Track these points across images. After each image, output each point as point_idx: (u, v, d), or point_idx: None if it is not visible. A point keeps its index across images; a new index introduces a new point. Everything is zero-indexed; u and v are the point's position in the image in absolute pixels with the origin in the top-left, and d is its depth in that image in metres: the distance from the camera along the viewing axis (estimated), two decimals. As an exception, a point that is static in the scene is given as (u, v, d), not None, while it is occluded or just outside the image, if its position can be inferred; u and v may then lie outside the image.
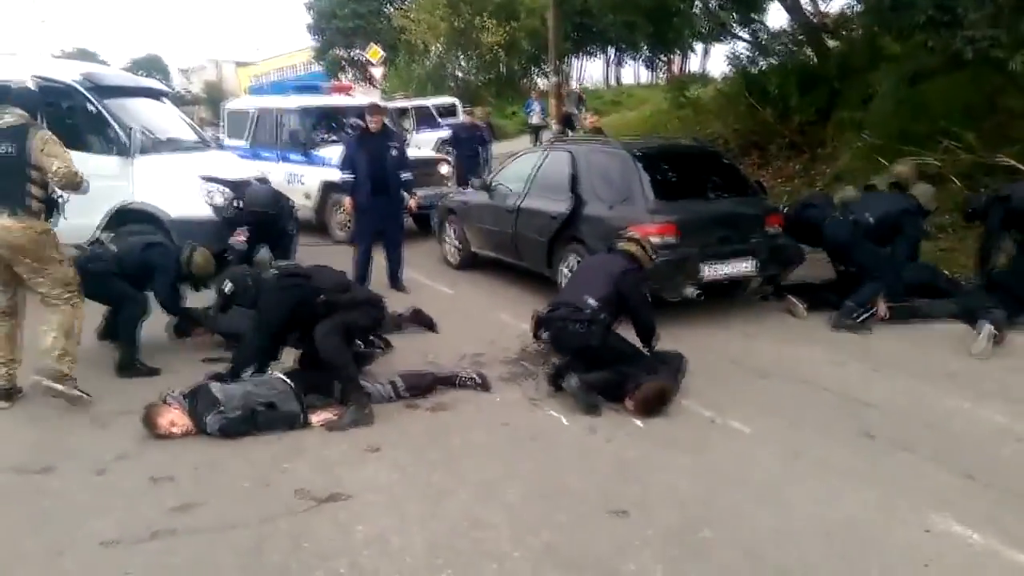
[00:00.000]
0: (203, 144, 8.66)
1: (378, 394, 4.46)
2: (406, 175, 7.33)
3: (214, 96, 55.74)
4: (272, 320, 4.45)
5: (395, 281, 7.36)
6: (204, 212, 7.58)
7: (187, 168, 7.80)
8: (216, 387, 4.14)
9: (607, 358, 4.52)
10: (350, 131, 9.14)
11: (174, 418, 4.01)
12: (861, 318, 5.77)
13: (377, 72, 28.25)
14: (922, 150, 8.62)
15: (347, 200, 7.47)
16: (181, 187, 7.61)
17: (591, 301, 4.52)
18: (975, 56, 8.29)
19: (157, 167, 7.61)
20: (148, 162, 7.56)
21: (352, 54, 41.48)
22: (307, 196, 10.66)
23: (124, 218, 7.60)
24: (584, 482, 3.52)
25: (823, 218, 6.27)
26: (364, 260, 7.19)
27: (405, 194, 7.41)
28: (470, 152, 11.42)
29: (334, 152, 10.47)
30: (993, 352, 5.04)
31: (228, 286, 4.57)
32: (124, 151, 7.49)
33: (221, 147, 9.64)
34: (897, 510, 3.20)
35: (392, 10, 35.52)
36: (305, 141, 10.73)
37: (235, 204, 7.10)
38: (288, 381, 4.27)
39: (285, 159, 11.04)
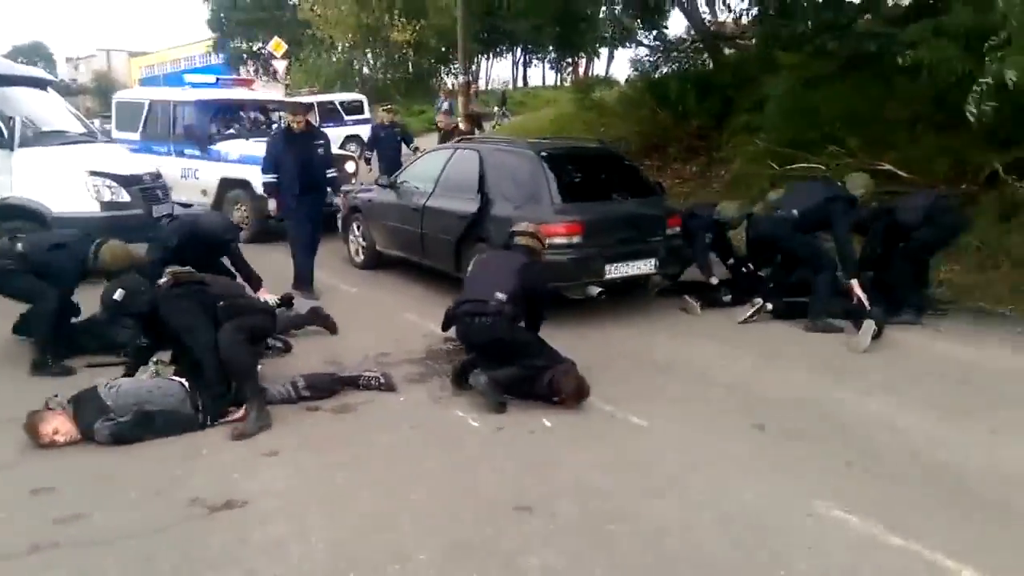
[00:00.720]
0: (90, 136, 8.21)
1: (277, 395, 4.34)
2: (332, 173, 7.26)
3: (104, 86, 53.07)
4: (198, 325, 4.25)
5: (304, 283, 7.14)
6: (90, 208, 7.22)
7: (72, 161, 7.39)
8: (104, 392, 3.93)
9: (514, 352, 4.53)
10: (273, 130, 8.85)
11: (58, 425, 3.79)
12: (750, 313, 6.03)
13: (280, 66, 27.49)
14: (810, 155, 9.10)
15: (272, 203, 7.22)
16: (65, 181, 7.21)
17: (499, 295, 4.53)
18: (865, 59, 8.81)
19: (39, 160, 7.19)
20: (30, 155, 7.15)
21: (254, 47, 40.32)
22: (204, 192, 10.29)
23: (4, 214, 7.14)
24: (490, 479, 3.53)
25: (705, 227, 6.55)
26: (306, 262, 7.07)
27: (332, 193, 7.41)
28: (391, 151, 11.23)
29: (233, 147, 10.18)
30: (873, 347, 5.35)
31: (119, 293, 4.35)
32: (3, 143, 7.04)
33: (110, 140, 9.15)
34: (785, 498, 3.35)
35: (297, 3, 34.62)
36: (202, 135, 10.33)
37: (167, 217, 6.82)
38: (185, 384, 4.11)
39: (180, 153, 10.60)
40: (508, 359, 4.51)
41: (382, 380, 4.64)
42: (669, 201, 7.16)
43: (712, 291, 6.61)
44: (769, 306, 6.08)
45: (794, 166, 9.16)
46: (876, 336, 5.41)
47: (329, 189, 7.38)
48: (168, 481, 3.51)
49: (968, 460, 3.71)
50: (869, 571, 2.83)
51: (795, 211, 6.04)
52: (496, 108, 26.87)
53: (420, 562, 2.89)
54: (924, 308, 6.00)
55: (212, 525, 3.15)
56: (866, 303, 5.76)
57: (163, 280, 4.50)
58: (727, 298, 6.51)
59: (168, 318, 4.26)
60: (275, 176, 6.99)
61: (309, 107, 7.76)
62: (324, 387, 4.49)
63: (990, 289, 6.39)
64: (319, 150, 7.06)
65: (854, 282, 5.85)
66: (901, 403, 4.40)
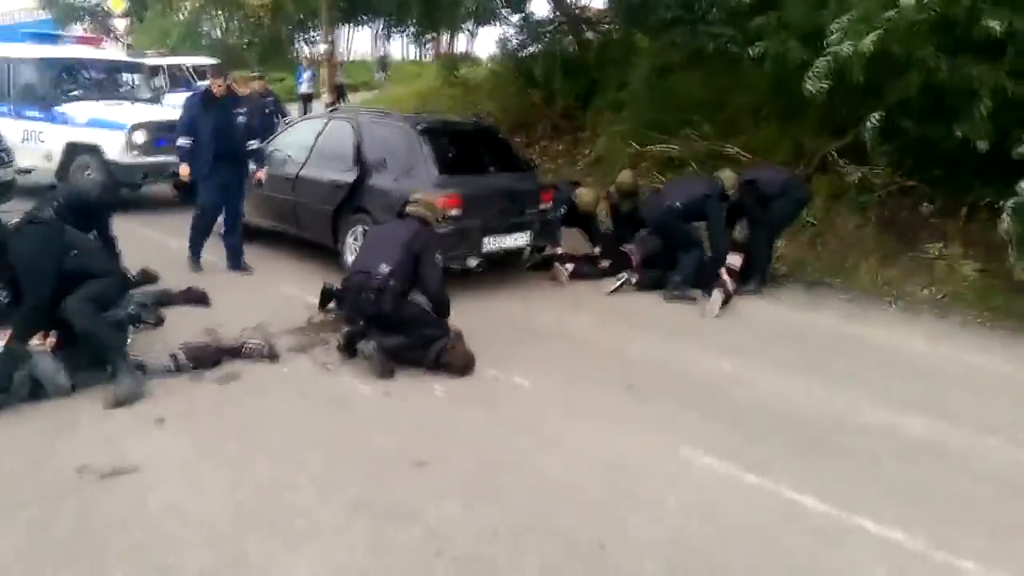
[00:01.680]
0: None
1: (158, 366, 4.25)
2: (253, 144, 6.83)
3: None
4: (39, 268, 4.01)
5: (237, 262, 6.82)
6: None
7: None
8: None
9: (401, 324, 4.65)
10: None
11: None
12: (616, 285, 6.48)
13: (120, 24, 25.60)
14: (667, 136, 9.73)
15: (183, 168, 6.69)
16: None
17: (383, 268, 4.62)
18: (715, 50, 9.50)
19: None
20: None
21: (88, 3, 37.15)
22: (47, 158, 9.56)
23: None
24: (384, 440, 3.68)
25: (561, 202, 7.01)
26: (203, 229, 6.79)
27: (252, 165, 6.86)
28: (266, 123, 10.73)
29: (81, 110, 9.53)
30: (722, 313, 5.91)
31: None
32: None
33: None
34: (656, 446, 3.72)
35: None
36: (45, 96, 9.59)
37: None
38: (56, 357, 3.96)
39: (19, 115, 9.78)
40: (395, 329, 4.64)
41: (265, 350, 4.63)
42: (541, 177, 7.46)
43: (578, 262, 7.00)
44: (633, 279, 6.52)
45: (653, 147, 9.75)
46: (725, 303, 5.98)
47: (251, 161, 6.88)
48: (50, 453, 3.41)
49: (808, 407, 4.26)
50: (728, 504, 3.24)
51: (678, 203, 6.50)
52: (377, 75, 26.41)
53: (324, 517, 3.01)
54: (766, 280, 6.65)
55: (105, 491, 3.11)
56: (730, 287, 6.23)
57: (16, 220, 4.24)
58: (604, 264, 6.94)
59: (16, 258, 4.02)
60: (190, 140, 6.55)
61: (226, 73, 7.08)
62: (206, 357, 4.43)
63: (819, 263, 7.16)
64: (239, 117, 6.67)
65: (723, 270, 6.35)
66: (749, 361, 4.93)
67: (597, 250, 7.19)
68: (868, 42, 5.93)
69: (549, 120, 12.78)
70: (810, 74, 6.54)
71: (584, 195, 7.20)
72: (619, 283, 6.52)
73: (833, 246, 7.35)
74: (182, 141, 6.62)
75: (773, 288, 6.66)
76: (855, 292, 6.56)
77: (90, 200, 5.65)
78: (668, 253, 6.90)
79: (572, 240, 7.39)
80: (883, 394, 4.46)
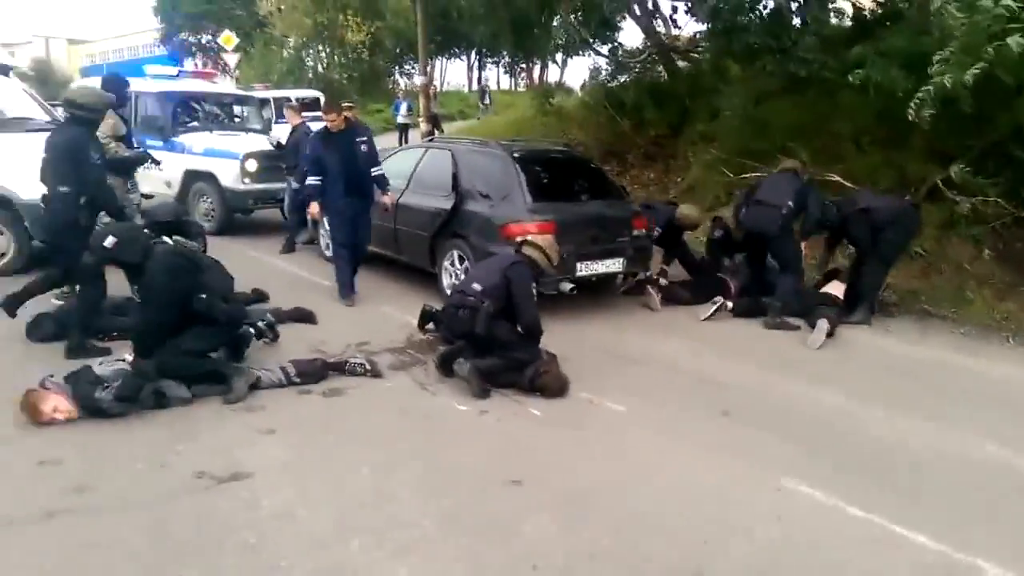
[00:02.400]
0: (54, 124, 8.11)
1: (267, 379, 4.48)
2: (377, 171, 6.74)
3: (43, 75, 51.28)
4: (162, 296, 4.31)
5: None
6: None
7: (39, 148, 7.30)
8: (98, 367, 4.04)
9: (493, 345, 4.75)
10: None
11: (57, 404, 3.86)
12: (711, 311, 6.39)
13: (231, 59, 27.16)
14: (762, 165, 9.57)
15: (314, 206, 6.74)
16: (32, 168, 7.12)
17: (476, 286, 4.77)
18: (807, 76, 9.36)
19: (5, 146, 7.10)
20: (-5, 140, 7.04)
21: (202, 39, 39.61)
22: (167, 185, 10.21)
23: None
24: (479, 457, 3.76)
25: (658, 222, 6.98)
26: (348, 267, 6.73)
27: (379, 192, 6.77)
28: None
29: (197, 140, 10.16)
30: (825, 344, 5.74)
31: (109, 240, 4.37)
32: (-33, 129, 6.94)
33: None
34: (754, 476, 3.65)
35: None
36: (164, 127, 10.28)
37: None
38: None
39: (141, 145, 10.48)
40: (490, 351, 4.74)
41: (368, 366, 4.81)
42: (634, 204, 7.48)
43: (672, 289, 6.96)
44: (729, 305, 6.44)
45: (747, 175, 9.61)
46: (830, 334, 5.81)
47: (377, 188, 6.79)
48: (172, 456, 3.64)
49: (918, 443, 4.08)
50: (832, 538, 3.15)
51: (790, 202, 6.28)
52: (481, 104, 27.17)
53: (423, 529, 3.10)
54: (875, 309, 6.43)
55: (221, 494, 3.30)
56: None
57: (163, 242, 4.55)
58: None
59: (151, 279, 4.32)
60: (319, 178, 6.54)
61: (341, 105, 6.88)
62: (314, 372, 4.64)
63: (933, 294, 6.86)
64: (362, 147, 6.58)
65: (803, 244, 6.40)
66: (854, 394, 4.77)
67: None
68: (970, 75, 5.75)
69: (640, 148, 12.78)
70: (914, 103, 6.38)
71: (688, 212, 7.17)
72: (714, 308, 6.44)
73: (946, 277, 7.05)
74: (312, 180, 6.61)
75: (882, 319, 6.44)
76: (970, 325, 6.26)
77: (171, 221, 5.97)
78: (759, 280, 6.79)
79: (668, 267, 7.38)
80: (999, 431, 4.24)
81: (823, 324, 5.84)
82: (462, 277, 6.01)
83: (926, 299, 6.81)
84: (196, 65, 37.05)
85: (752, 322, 6.33)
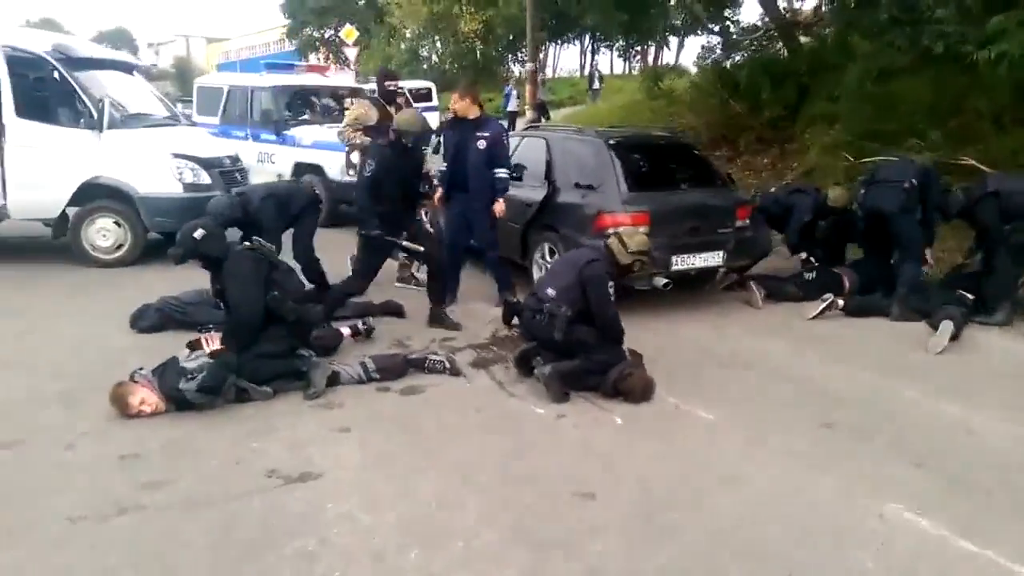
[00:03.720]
0: (174, 120, 8.54)
1: (347, 375, 4.49)
2: (500, 173, 5.97)
3: (183, 71, 54.86)
4: (247, 292, 4.37)
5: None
6: (173, 189, 7.53)
7: (157, 144, 7.71)
8: (184, 360, 4.15)
9: (571, 350, 4.52)
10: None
11: (144, 396, 3.99)
12: (819, 309, 5.92)
13: (351, 53, 28.01)
14: (888, 148, 8.83)
15: (437, 193, 6.24)
16: (151, 163, 7.54)
17: (550, 291, 4.55)
18: (945, 51, 8.53)
19: (127, 142, 7.51)
20: (117, 136, 7.46)
21: (325, 34, 41.05)
22: (279, 177, 10.58)
23: (92, 193, 7.51)
24: (552, 465, 3.59)
25: (809, 208, 6.49)
26: (451, 268, 6.25)
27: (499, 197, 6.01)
28: None
29: (306, 133, 10.45)
30: (948, 348, 5.19)
31: (199, 232, 4.46)
32: (93, 124, 7.37)
33: (192, 123, 9.50)
34: (853, 496, 3.30)
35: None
36: (277, 120, 10.63)
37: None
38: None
39: (256, 138, 10.93)
40: (569, 355, 4.54)
41: (447, 364, 4.73)
42: (739, 192, 7.05)
43: (779, 283, 6.52)
44: (840, 303, 5.95)
45: (871, 159, 8.89)
46: (954, 337, 5.25)
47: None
48: (248, 452, 3.68)
49: (1048, 467, 3.59)
50: (939, 574, 2.79)
51: (913, 180, 5.94)
52: (591, 89, 26.82)
53: (484, 541, 2.97)
54: (1017, 310, 5.78)
55: (289, 495, 3.29)
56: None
57: (240, 242, 4.68)
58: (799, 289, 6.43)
59: (228, 275, 4.40)
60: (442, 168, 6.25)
61: (471, 91, 6.18)
62: (393, 369, 4.61)
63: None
64: (478, 143, 5.91)
65: (928, 251, 6.08)
66: (975, 405, 4.28)
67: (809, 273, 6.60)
68: None
69: (754, 131, 12.14)
70: None
71: (840, 194, 6.65)
72: (823, 306, 5.96)
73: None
74: (438, 168, 6.43)
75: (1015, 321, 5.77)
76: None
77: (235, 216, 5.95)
78: (880, 274, 6.27)
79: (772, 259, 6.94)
80: None
81: (947, 326, 5.28)
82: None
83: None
84: (319, 60, 38.53)
85: (866, 322, 5.83)
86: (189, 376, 4.02)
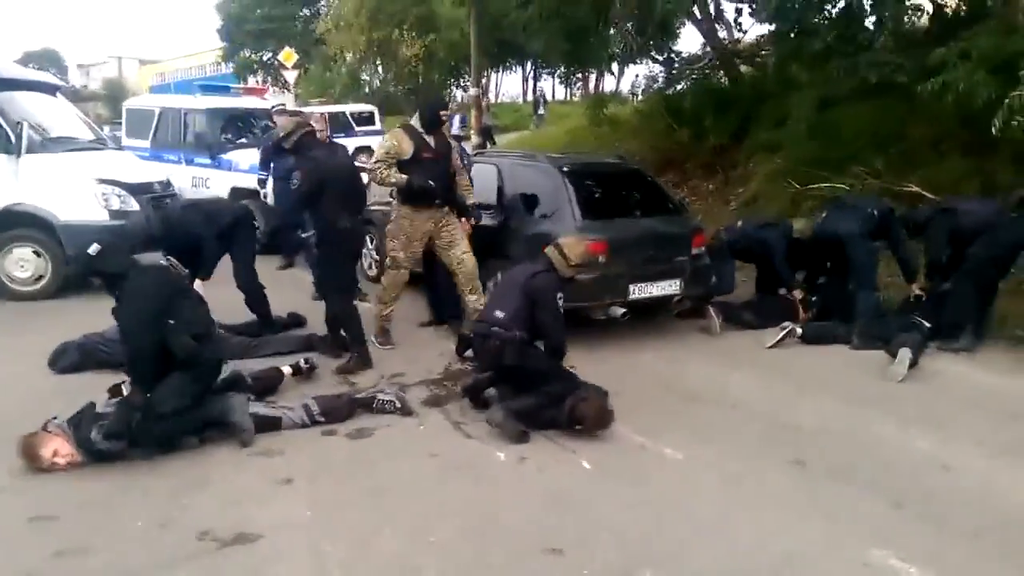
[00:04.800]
0: (99, 143, 8.05)
1: (289, 420, 4.12)
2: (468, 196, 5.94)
3: (115, 93, 53.22)
4: (143, 323, 3.82)
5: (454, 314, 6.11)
6: (99, 216, 7.04)
7: (80, 168, 7.22)
8: (103, 404, 3.73)
9: (527, 377, 4.30)
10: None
11: (57, 448, 3.56)
12: (779, 337, 5.82)
13: (291, 76, 27.52)
14: (832, 175, 8.90)
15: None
16: (73, 189, 7.04)
17: (498, 314, 4.33)
18: (879, 80, 8.69)
19: (47, 166, 7.02)
20: (37, 161, 6.96)
21: (263, 57, 40.40)
22: (214, 202, 10.13)
23: (9, 221, 6.98)
24: (517, 517, 3.31)
25: (782, 239, 6.39)
26: (437, 294, 6.30)
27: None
28: None
29: (243, 157, 10.02)
30: (909, 375, 5.11)
31: (93, 247, 3.98)
32: (10, 148, 6.87)
33: (120, 147, 9.00)
34: (836, 544, 3.11)
35: (309, 15, 34.78)
36: (212, 144, 10.18)
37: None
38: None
39: (191, 162, 10.45)
40: (522, 384, 4.30)
41: (398, 404, 4.41)
42: (694, 220, 6.95)
43: (734, 309, 6.41)
44: (798, 331, 5.85)
45: (816, 186, 8.95)
46: (912, 364, 5.18)
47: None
48: (176, 511, 3.30)
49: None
50: (936, 630, 2.60)
51: (874, 210, 6.01)
52: (535, 115, 26.82)
53: (447, 609, 2.67)
54: (982, 336, 5.75)
55: (223, 562, 2.93)
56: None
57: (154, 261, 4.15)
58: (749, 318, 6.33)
59: (123, 295, 3.87)
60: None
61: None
62: (340, 411, 4.27)
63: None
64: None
65: (915, 284, 6.00)
66: (946, 439, 4.16)
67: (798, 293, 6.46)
68: None
69: (699, 158, 12.19)
70: (999, 114, 5.83)
71: (805, 225, 6.57)
72: (783, 334, 5.85)
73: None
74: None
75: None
76: (1072, 355, 5.54)
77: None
78: (836, 301, 6.23)
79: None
80: None
81: (905, 353, 5.19)
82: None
83: (1015, 324, 6.07)
84: (257, 82, 37.82)
85: (825, 350, 5.73)
86: (101, 423, 3.60)
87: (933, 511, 3.38)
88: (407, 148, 5.45)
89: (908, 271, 6.08)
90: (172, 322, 3.78)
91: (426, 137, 5.55)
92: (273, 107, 10.26)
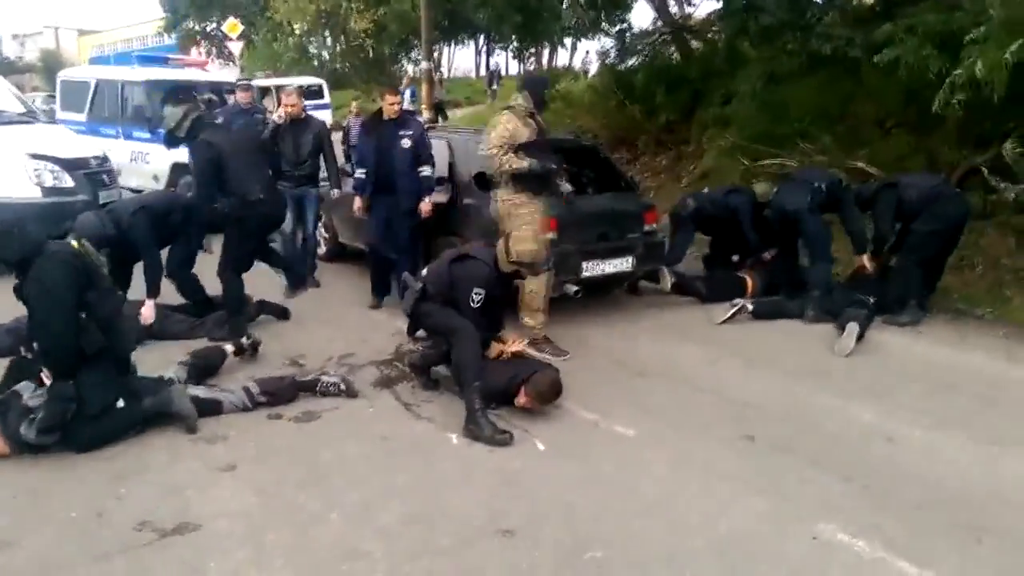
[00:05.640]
0: (30, 117, 7.67)
1: (230, 405, 4.00)
2: (424, 171, 5.91)
3: (51, 65, 51.10)
4: (57, 307, 3.54)
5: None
6: (30, 193, 6.74)
7: (10, 143, 6.88)
8: (28, 393, 3.55)
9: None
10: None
11: (-19, 440, 3.38)
12: (730, 314, 5.86)
13: (235, 47, 26.70)
14: (780, 150, 8.98)
15: (357, 201, 6.10)
16: (2, 165, 6.71)
17: (423, 272, 4.53)
18: (832, 54, 8.76)
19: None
20: (-39, 136, 6.60)
21: (207, 28, 39.13)
22: (155, 178, 9.77)
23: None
24: (467, 499, 3.26)
25: (748, 207, 6.43)
26: (379, 268, 6.23)
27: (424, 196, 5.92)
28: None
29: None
30: (856, 350, 5.19)
31: None
32: (-69, 123, 6.50)
33: (52, 120, 8.60)
34: (784, 519, 3.14)
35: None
36: (152, 117, 9.78)
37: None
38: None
39: (128, 136, 10.06)
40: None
41: (342, 386, 4.30)
42: (646, 197, 6.94)
43: (686, 279, 6.46)
44: (749, 306, 5.90)
45: (765, 162, 9.02)
46: (859, 339, 5.27)
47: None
48: (112, 500, 3.17)
49: (970, 477, 3.53)
50: (880, 601, 2.64)
51: (822, 185, 6.00)
52: (488, 90, 26.60)
53: (395, 595, 2.62)
54: (926, 310, 5.87)
55: (161, 553, 2.82)
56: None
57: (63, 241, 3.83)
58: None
59: (32, 283, 3.56)
60: (364, 170, 5.96)
61: (396, 86, 6.15)
62: (282, 393, 4.15)
63: (966, 291, 6.30)
64: (403, 142, 5.84)
65: (865, 257, 6.00)
66: (891, 411, 4.24)
67: (768, 254, 6.59)
68: (1010, 54, 5.24)
69: (651, 135, 12.20)
70: (943, 91, 5.93)
71: (765, 188, 6.60)
72: (733, 310, 5.89)
73: (981, 271, 6.47)
74: (359, 173, 6.05)
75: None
76: (1013, 326, 5.68)
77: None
78: (787, 275, 6.30)
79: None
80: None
81: (852, 327, 5.29)
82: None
83: (959, 297, 6.23)
84: (200, 54, 36.65)
85: (774, 325, 5.80)
86: (31, 418, 3.43)
87: (878, 484, 3.43)
88: (523, 131, 5.10)
89: (858, 243, 6.12)
90: (83, 315, 3.59)
91: (537, 118, 5.28)
92: (237, 80, 9.90)
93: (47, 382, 3.58)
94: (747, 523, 3.11)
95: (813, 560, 2.87)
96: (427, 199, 5.92)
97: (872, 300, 5.70)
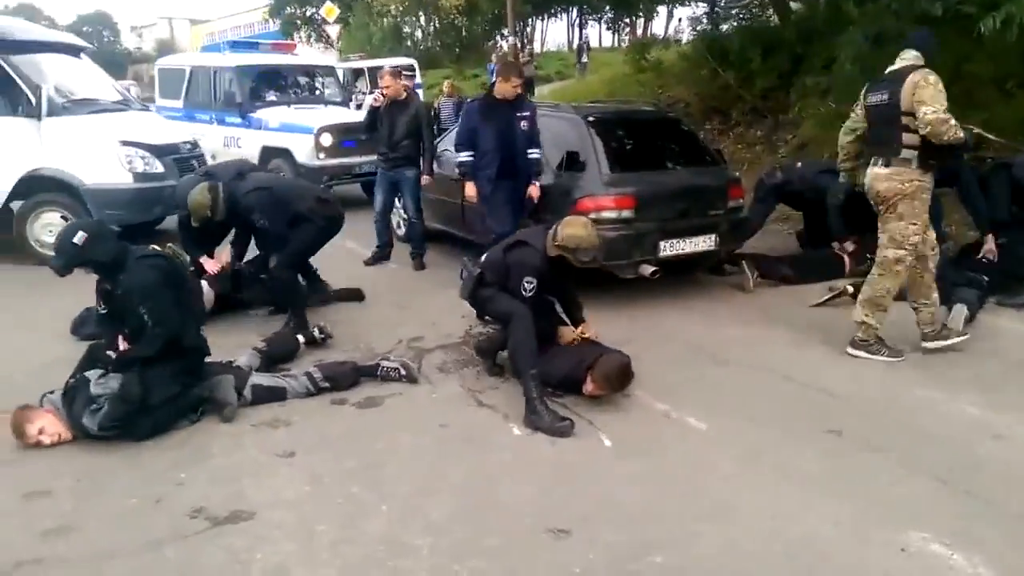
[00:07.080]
0: (124, 104, 7.96)
1: (294, 391, 3.99)
2: (534, 154, 5.68)
3: (166, 55, 53.79)
4: (162, 299, 3.68)
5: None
6: (122, 179, 6.98)
7: (103, 131, 7.14)
8: (94, 381, 3.61)
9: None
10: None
11: (45, 426, 3.46)
12: (826, 298, 5.45)
13: (332, 31, 27.24)
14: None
15: (469, 187, 5.73)
16: (96, 152, 6.98)
17: (482, 259, 4.38)
18: (944, 14, 8.01)
19: (69, 129, 6.95)
20: (59, 124, 6.89)
21: (307, 12, 40.13)
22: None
23: (35, 186, 6.98)
24: (521, 495, 3.11)
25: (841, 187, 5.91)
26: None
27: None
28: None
29: (273, 115, 9.88)
30: (962, 334, 4.71)
31: (79, 235, 3.67)
32: (32, 112, 6.81)
33: (145, 107, 8.91)
34: (868, 525, 2.84)
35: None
36: (242, 102, 10.05)
37: None
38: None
39: (221, 122, 10.36)
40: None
41: (402, 371, 4.22)
42: (730, 170, 6.54)
43: (772, 263, 6.05)
44: (851, 289, 5.41)
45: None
46: (968, 322, 4.79)
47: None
48: (172, 487, 3.19)
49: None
50: (977, 628, 2.34)
51: None
52: (578, 63, 26.27)
53: (438, 596, 2.51)
54: None
55: (212, 542, 2.80)
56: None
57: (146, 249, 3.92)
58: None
59: (133, 294, 3.65)
60: (471, 154, 5.66)
61: (517, 69, 5.90)
62: (343, 378, 4.11)
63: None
64: (522, 124, 5.58)
65: (989, 237, 5.50)
66: (1001, 406, 3.82)
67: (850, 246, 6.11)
68: None
69: (746, 104, 11.60)
70: None
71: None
72: (833, 294, 5.46)
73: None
74: (464, 156, 5.71)
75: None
76: None
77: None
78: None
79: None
80: None
81: (960, 310, 4.82)
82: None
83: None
84: (301, 39, 37.63)
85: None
86: (94, 407, 3.49)
87: (981, 489, 3.07)
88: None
89: (978, 219, 5.63)
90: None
91: None
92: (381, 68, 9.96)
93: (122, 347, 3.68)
94: (824, 529, 2.83)
95: (900, 574, 2.57)
96: (536, 183, 5.66)
97: (985, 279, 5.18)
